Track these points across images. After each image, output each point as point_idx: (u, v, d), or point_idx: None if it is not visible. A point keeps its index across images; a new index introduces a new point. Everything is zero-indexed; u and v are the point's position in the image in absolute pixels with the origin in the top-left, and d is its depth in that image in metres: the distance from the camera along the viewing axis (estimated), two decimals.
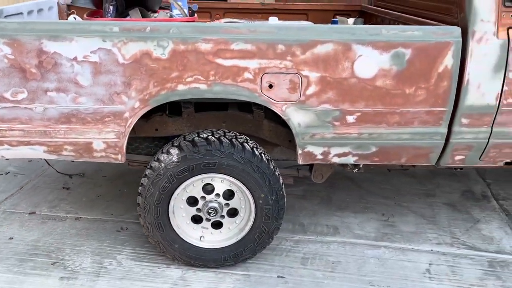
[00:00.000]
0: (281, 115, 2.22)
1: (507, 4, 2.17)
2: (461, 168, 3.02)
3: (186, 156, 2.24)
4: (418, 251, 2.70)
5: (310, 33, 2.12)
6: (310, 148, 2.32)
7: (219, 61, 2.10)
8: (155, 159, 2.33)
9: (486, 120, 2.29)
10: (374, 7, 3.55)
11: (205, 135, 2.30)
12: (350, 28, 2.17)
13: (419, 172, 3.72)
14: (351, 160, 2.39)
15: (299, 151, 2.32)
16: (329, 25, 2.98)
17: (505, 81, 2.21)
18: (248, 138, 2.39)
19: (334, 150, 2.34)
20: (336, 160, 2.38)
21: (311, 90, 2.17)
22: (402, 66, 2.16)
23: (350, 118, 2.25)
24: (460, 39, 2.15)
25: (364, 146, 2.32)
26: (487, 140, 2.35)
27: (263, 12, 3.67)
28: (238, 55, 2.10)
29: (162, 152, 2.32)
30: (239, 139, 2.31)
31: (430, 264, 2.59)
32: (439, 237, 2.84)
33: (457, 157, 2.42)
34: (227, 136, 2.31)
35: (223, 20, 3.29)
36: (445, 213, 3.13)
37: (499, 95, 2.23)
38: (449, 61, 2.16)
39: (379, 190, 3.45)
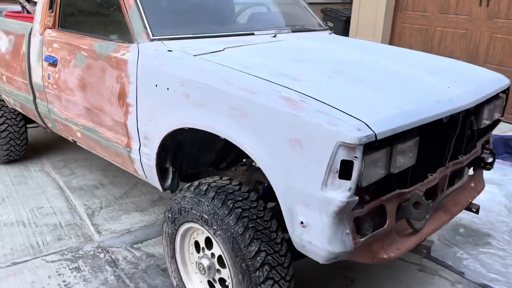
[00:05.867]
0: None
1: (50, 10, 2.87)
2: None
3: None
4: None
5: None
6: None
7: None
8: None
9: (43, 97, 3.02)
10: None
11: None
12: None
13: None
14: None
15: None
16: None
17: (43, 68, 2.91)
18: None
19: None
20: None
21: None
22: (11, 48, 3.23)
23: None
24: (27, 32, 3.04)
25: None
26: (49, 114, 3.04)
27: None
28: None
29: None
30: None
31: None
32: None
33: (49, 125, 3.18)
34: None
35: None
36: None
37: (42, 78, 2.94)
38: (25, 48, 3.08)
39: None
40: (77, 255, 2.82)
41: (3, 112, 3.76)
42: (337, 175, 1.53)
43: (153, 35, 2.26)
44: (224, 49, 2.21)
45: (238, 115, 1.78)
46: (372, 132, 1.51)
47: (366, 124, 1.52)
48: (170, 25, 2.41)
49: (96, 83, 2.47)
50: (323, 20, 8.60)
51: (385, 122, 1.57)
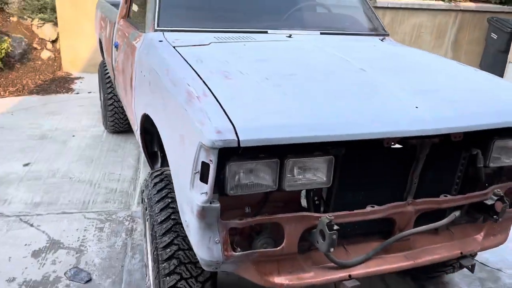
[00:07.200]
0: None
1: (125, 2, 3.25)
2: None
3: None
4: None
5: None
6: None
7: None
8: None
9: (115, 77, 3.44)
10: None
11: None
12: None
13: None
14: None
15: None
16: None
17: (114, 52, 3.33)
18: None
19: None
20: None
21: None
22: (108, 35, 3.75)
23: None
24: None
25: None
26: (117, 93, 3.45)
27: None
28: None
29: None
30: None
31: None
32: None
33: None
34: None
35: None
36: None
37: (114, 61, 3.36)
38: (111, 34, 3.55)
39: None
40: (108, 218, 3.19)
41: (112, 89, 4.41)
42: (198, 176, 1.45)
43: (157, 26, 2.40)
44: (210, 43, 2.23)
45: (163, 105, 1.81)
46: (235, 138, 1.38)
47: (235, 128, 1.40)
48: (183, 18, 2.52)
49: (126, 68, 2.75)
50: (489, 32, 7.51)
51: (262, 130, 1.42)
